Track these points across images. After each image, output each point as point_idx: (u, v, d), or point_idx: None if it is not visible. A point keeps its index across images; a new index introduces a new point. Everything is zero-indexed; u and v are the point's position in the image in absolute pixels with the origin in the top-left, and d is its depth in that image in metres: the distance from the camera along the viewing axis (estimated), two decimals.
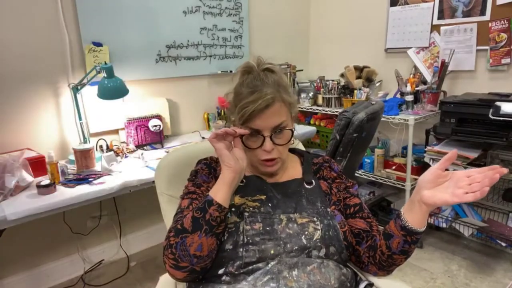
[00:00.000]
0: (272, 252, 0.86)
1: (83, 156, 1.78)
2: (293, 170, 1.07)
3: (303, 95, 2.92)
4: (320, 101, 2.82)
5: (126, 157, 2.02)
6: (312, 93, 2.87)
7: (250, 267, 0.85)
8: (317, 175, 1.07)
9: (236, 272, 0.85)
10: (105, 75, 1.85)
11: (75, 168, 1.80)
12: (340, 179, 1.06)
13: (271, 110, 0.92)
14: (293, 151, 1.14)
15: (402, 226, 0.86)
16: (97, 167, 1.81)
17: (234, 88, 1.00)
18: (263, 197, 0.96)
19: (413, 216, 0.85)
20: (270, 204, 0.95)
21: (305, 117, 3.04)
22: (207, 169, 1.03)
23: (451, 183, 0.79)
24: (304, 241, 0.89)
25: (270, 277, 0.83)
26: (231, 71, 2.68)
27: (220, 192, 0.84)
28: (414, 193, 0.84)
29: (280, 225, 0.90)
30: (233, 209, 0.92)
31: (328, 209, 0.97)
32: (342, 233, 0.93)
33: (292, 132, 0.97)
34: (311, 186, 1.02)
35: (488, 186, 0.74)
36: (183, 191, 1.00)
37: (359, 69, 2.70)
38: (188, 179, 1.03)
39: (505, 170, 0.74)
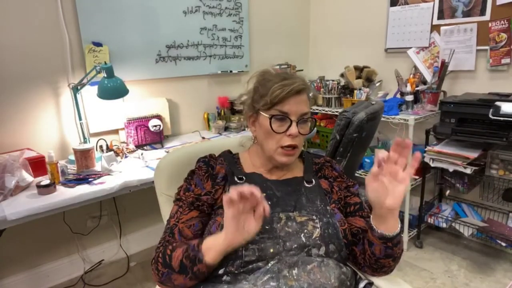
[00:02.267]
0: (271, 250, 0.86)
1: (83, 156, 1.78)
2: (295, 168, 1.08)
3: None
4: (320, 101, 2.82)
5: (126, 157, 2.02)
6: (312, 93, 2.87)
7: (250, 266, 0.85)
8: (318, 174, 1.07)
9: (236, 272, 0.85)
10: (105, 75, 1.85)
11: (75, 168, 1.80)
12: (341, 178, 1.07)
13: (301, 97, 0.97)
14: None
15: (379, 237, 0.87)
16: (97, 167, 1.81)
17: (257, 81, 1.03)
18: (263, 195, 0.96)
19: (387, 225, 0.86)
20: (269, 202, 0.94)
21: None
22: (205, 167, 1.02)
23: (387, 176, 0.82)
24: (303, 239, 0.89)
25: (270, 276, 0.83)
26: (231, 71, 2.68)
27: (211, 252, 0.82)
28: (378, 210, 0.85)
29: (279, 223, 0.90)
30: None
31: (328, 207, 0.97)
32: (342, 231, 0.93)
33: (315, 123, 1.00)
34: (311, 185, 1.02)
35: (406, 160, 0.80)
36: (176, 192, 1.02)
37: (359, 69, 2.70)
38: (184, 179, 1.03)
39: (407, 140, 0.80)
